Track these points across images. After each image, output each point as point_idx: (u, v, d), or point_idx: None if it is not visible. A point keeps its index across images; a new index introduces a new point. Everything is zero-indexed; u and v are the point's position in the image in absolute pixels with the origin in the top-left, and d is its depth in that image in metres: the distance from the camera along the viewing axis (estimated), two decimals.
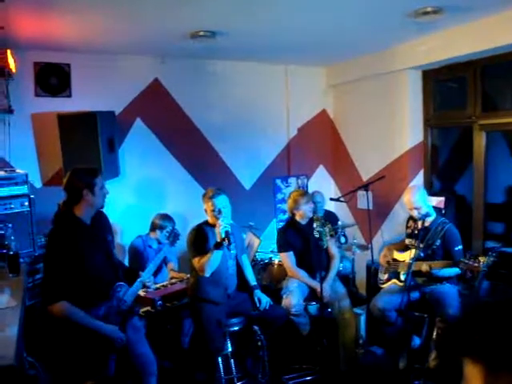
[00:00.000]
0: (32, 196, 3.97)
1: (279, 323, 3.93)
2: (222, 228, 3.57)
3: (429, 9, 3.51)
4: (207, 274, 3.64)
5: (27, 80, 4.56)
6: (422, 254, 3.85)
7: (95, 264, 2.75)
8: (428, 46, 4.50)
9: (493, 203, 4.77)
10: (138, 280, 3.01)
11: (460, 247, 3.83)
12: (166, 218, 4.52)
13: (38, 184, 4.64)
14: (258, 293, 3.92)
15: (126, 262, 4.63)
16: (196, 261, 3.70)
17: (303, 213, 4.29)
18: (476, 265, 3.40)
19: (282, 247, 4.35)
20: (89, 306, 2.72)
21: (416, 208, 3.97)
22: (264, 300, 3.87)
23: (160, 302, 3.84)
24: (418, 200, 3.97)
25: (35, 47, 4.44)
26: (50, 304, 2.62)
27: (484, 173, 4.50)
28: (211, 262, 3.61)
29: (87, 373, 2.68)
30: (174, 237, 3.41)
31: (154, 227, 4.52)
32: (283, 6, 3.46)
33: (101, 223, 2.95)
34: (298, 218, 4.34)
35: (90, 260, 2.71)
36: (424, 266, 3.76)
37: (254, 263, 4.89)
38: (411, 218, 4.18)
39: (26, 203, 3.93)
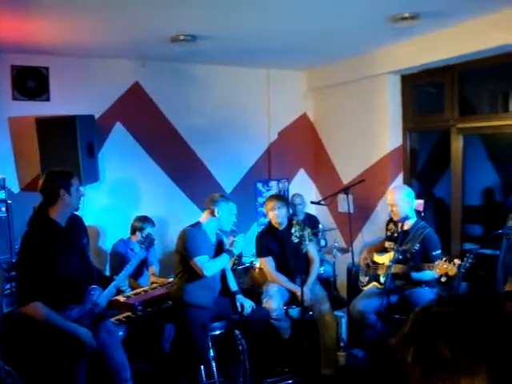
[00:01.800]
0: (9, 201, 3.88)
1: (261, 324, 3.93)
2: (238, 246, 3.88)
3: (406, 14, 3.55)
4: (209, 274, 3.60)
5: (4, 83, 4.50)
6: (400, 257, 3.87)
7: (69, 266, 2.74)
8: (406, 51, 4.55)
9: (470, 205, 4.85)
10: (112, 284, 2.99)
11: (438, 252, 3.85)
12: (146, 219, 4.51)
13: (16, 189, 4.58)
14: (241, 298, 3.91)
15: (107, 266, 4.59)
16: (196, 260, 3.59)
17: (273, 218, 4.29)
18: (451, 267, 3.44)
19: (261, 252, 4.35)
20: (62, 308, 2.70)
21: (392, 204, 3.99)
22: (247, 304, 3.85)
23: (140, 307, 3.80)
24: (398, 198, 3.99)
25: (13, 50, 4.38)
26: (24, 305, 2.60)
27: (462, 176, 4.56)
28: (218, 264, 3.71)
29: (61, 379, 2.65)
30: (149, 242, 3.36)
31: (134, 230, 4.50)
32: (265, 9, 3.47)
33: (76, 226, 2.94)
34: (274, 223, 4.34)
35: (63, 262, 2.70)
36: (400, 268, 3.81)
37: (236, 267, 4.88)
38: (391, 220, 4.21)
39: (3, 208, 3.84)
